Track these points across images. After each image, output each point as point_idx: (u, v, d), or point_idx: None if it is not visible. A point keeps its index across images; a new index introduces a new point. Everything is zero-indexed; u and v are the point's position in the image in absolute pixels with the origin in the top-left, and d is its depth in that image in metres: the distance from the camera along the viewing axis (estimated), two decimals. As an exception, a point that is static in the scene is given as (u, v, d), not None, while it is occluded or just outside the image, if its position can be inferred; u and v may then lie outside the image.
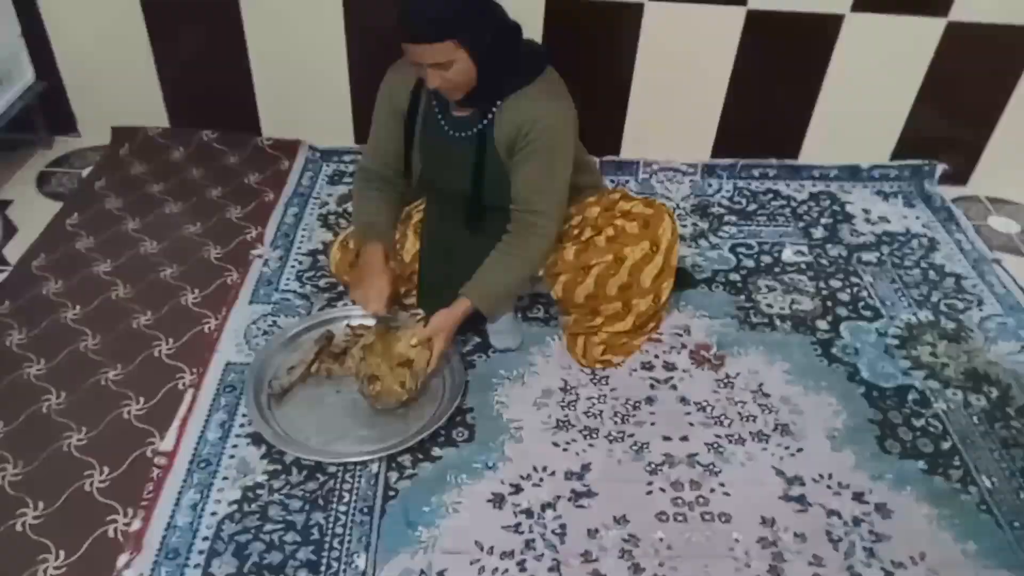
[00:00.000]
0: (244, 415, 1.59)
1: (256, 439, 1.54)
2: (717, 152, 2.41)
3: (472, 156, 1.61)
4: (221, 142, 2.39)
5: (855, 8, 2.13)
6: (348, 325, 1.74)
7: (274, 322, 1.81)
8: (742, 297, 1.96)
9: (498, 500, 1.47)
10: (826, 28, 2.17)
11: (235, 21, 2.20)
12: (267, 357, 1.67)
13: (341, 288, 1.90)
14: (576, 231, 1.72)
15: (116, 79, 2.31)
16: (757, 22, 2.15)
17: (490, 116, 1.58)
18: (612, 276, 1.67)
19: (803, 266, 2.08)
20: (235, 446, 1.54)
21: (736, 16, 2.15)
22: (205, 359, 1.70)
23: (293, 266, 1.98)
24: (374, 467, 1.51)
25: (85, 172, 2.27)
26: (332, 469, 1.50)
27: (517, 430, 1.60)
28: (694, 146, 2.40)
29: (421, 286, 1.79)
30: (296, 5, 2.18)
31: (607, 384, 1.72)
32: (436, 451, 1.55)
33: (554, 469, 1.53)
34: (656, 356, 1.79)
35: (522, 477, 1.51)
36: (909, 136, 2.37)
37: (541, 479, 1.51)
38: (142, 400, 1.60)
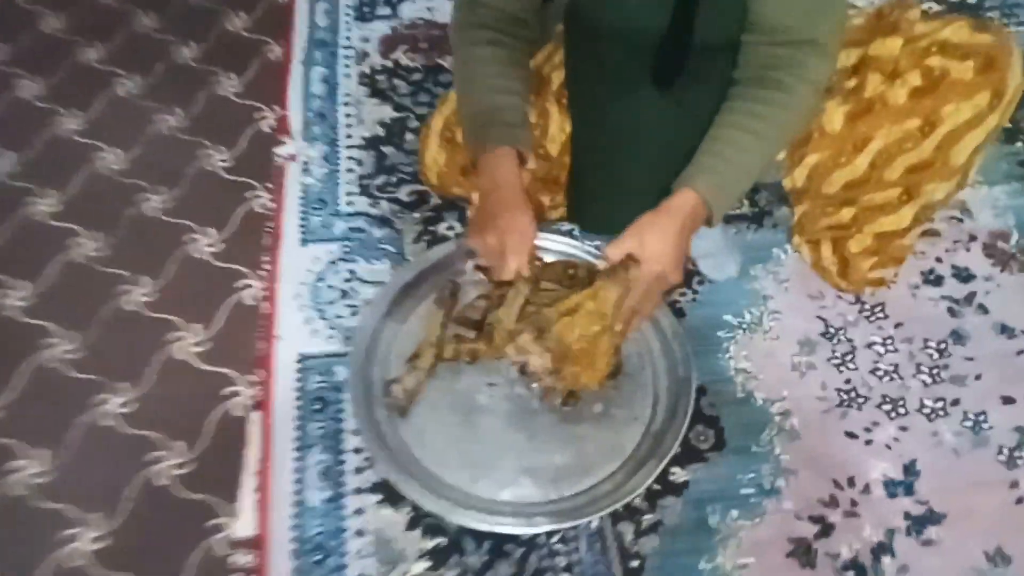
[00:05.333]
0: (358, 450, 0.98)
1: (390, 494, 0.95)
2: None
3: None
4: (174, -34, 1.54)
5: None
6: (476, 265, 1.08)
7: (351, 273, 1.15)
8: (1019, 144, 1.34)
9: (803, 550, 0.92)
10: None
11: None
12: (370, 342, 1.02)
13: (438, 201, 1.22)
14: (850, 79, 1.04)
15: None
16: None
17: None
18: (907, 151, 1.02)
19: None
20: (359, 511, 0.94)
21: None
22: (264, 355, 1.05)
23: (351, 169, 1.27)
24: (594, 520, 0.94)
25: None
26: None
27: (784, 417, 1.03)
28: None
29: (574, 189, 1.12)
30: None
31: (885, 315, 1.13)
32: (676, 472, 0.98)
33: (866, 480, 0.98)
34: (938, 259, 1.19)
35: (823, 503, 0.96)
36: None
37: (853, 501, 0.96)
38: (183, 448, 0.97)
